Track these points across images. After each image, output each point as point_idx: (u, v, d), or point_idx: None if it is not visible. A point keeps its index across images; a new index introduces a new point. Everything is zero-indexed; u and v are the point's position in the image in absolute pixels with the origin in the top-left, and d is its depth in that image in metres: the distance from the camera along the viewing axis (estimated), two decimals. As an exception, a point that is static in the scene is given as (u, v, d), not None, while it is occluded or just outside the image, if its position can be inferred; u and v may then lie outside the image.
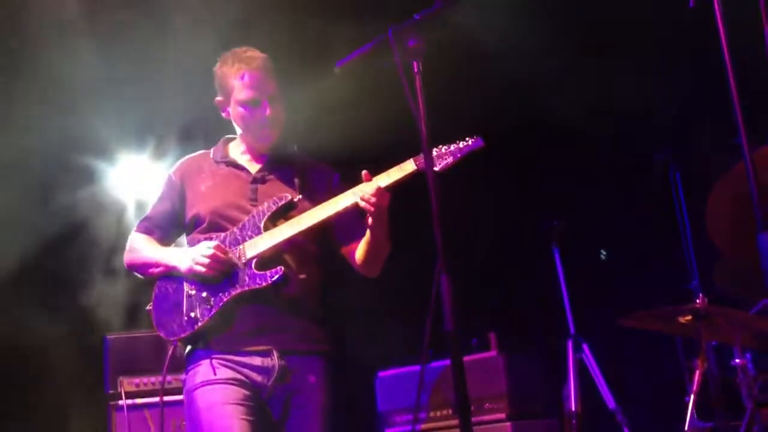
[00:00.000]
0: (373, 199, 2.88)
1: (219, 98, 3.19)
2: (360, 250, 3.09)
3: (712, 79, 2.32)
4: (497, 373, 4.70)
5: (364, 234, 3.05)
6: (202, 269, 2.97)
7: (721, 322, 3.19)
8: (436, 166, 2.86)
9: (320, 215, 2.97)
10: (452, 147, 2.91)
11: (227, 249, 3.01)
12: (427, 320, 2.36)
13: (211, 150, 3.27)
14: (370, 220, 2.92)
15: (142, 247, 3.18)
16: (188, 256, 3.02)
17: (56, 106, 4.95)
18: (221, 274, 2.98)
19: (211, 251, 2.97)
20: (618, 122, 5.12)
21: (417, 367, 4.75)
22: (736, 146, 2.14)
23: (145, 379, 4.58)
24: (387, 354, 5.14)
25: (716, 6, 2.14)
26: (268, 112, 3.10)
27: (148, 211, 3.30)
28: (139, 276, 3.24)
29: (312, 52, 4.80)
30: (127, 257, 3.23)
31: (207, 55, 3.28)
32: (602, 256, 4.93)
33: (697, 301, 3.17)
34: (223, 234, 3.05)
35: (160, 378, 4.35)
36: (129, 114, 5.39)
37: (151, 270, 3.16)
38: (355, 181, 2.97)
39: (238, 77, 3.09)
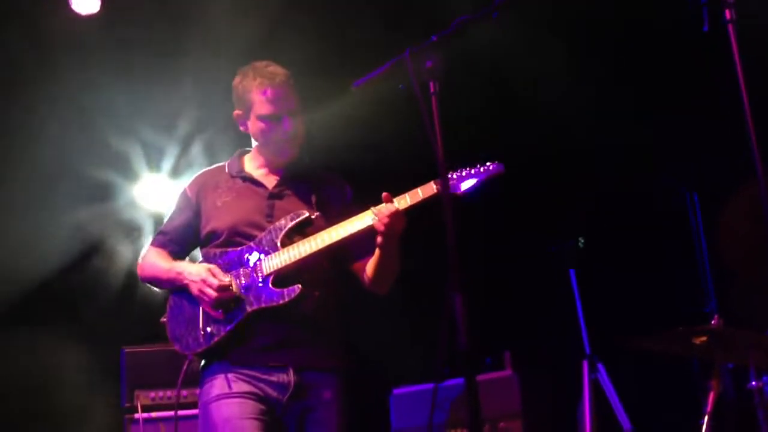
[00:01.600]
0: (387, 220, 2.89)
1: (238, 111, 3.19)
2: (369, 268, 3.10)
3: (728, 102, 2.34)
4: (512, 392, 4.70)
5: (371, 252, 3.05)
6: (207, 299, 2.99)
7: (736, 343, 3.18)
8: (458, 188, 2.88)
9: (338, 235, 2.98)
10: (472, 170, 2.91)
11: (228, 284, 3.00)
12: (440, 339, 2.36)
13: (226, 164, 3.27)
14: (380, 239, 2.93)
15: (154, 261, 3.20)
16: (195, 287, 3.03)
17: (74, 121, 5.01)
18: (225, 304, 3.00)
19: (214, 294, 2.97)
20: (637, 144, 5.12)
21: (432, 386, 4.75)
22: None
23: (161, 393, 4.60)
24: (403, 371, 5.15)
25: (730, 30, 2.16)
26: (289, 127, 3.11)
27: (163, 225, 3.31)
28: (155, 288, 3.26)
29: (331, 67, 4.83)
30: (141, 271, 3.25)
31: (224, 71, 3.31)
32: (580, 244, 4.90)
33: (712, 321, 3.16)
34: (239, 249, 3.07)
35: (175, 392, 4.37)
36: (147, 130, 5.46)
37: (163, 285, 3.20)
38: (376, 195, 2.97)
39: (260, 92, 3.09)
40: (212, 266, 3.05)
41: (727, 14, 2.18)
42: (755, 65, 2.19)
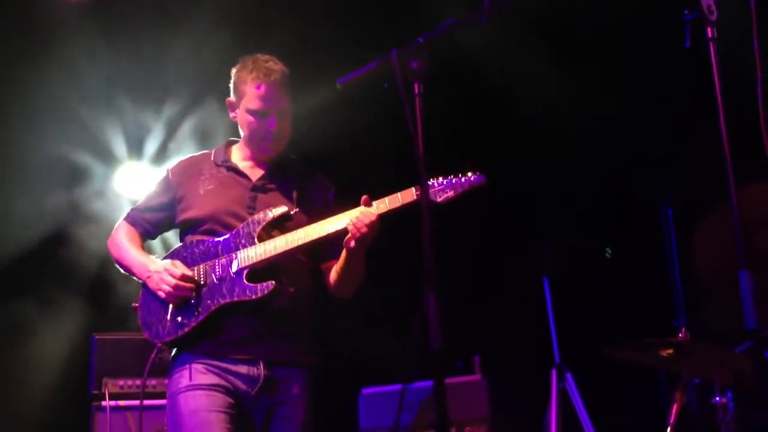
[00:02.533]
0: (365, 229, 2.91)
1: (231, 99, 3.20)
2: (334, 271, 3.12)
3: (706, 117, 2.37)
4: (480, 397, 4.72)
5: (337, 255, 3.07)
6: (163, 295, 3.01)
7: (702, 358, 3.22)
8: (437, 198, 2.90)
9: (316, 233, 2.99)
10: (453, 180, 2.93)
11: (192, 275, 3.02)
12: (413, 339, 2.38)
13: (213, 151, 3.27)
14: (351, 242, 2.95)
15: (122, 243, 3.19)
16: (155, 276, 3.03)
17: (54, 105, 4.98)
18: (184, 299, 3.01)
19: (173, 281, 2.99)
20: (613, 155, 5.17)
21: (400, 386, 4.76)
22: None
23: (129, 381, 4.58)
24: (373, 371, 5.16)
25: (711, 47, 2.19)
26: (274, 126, 3.12)
27: (140, 201, 3.31)
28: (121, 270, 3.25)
29: (318, 60, 4.85)
30: (110, 246, 3.25)
31: (210, 63, 3.32)
32: (607, 254, 4.94)
33: (680, 335, 3.20)
34: (216, 239, 3.07)
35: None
36: (130, 118, 5.43)
37: (126, 271, 3.19)
38: (355, 195, 2.99)
39: (254, 85, 3.10)
40: (175, 261, 3.06)
41: (709, 32, 2.22)
42: (734, 80, 2.22)
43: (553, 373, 4.91)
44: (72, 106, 5.10)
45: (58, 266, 5.23)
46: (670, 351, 3.20)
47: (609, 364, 3.82)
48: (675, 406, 3.20)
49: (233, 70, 3.19)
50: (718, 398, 3.31)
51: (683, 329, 3.21)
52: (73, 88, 5.05)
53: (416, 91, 2.36)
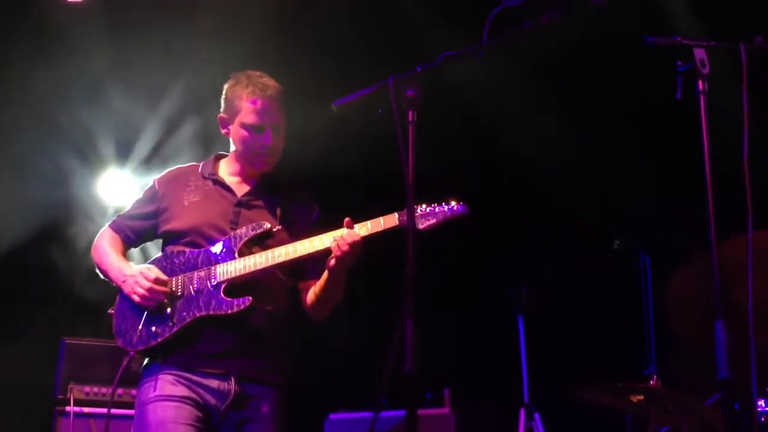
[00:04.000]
0: (347, 248, 2.91)
1: (223, 115, 3.21)
2: (312, 293, 3.12)
3: (690, 166, 2.42)
4: (447, 430, 4.71)
5: (318, 275, 3.08)
6: (137, 299, 3.01)
7: (673, 406, 3.24)
8: (419, 224, 2.89)
9: (297, 251, 2.99)
10: (436, 208, 2.93)
11: (167, 280, 3.02)
12: (388, 363, 2.38)
13: (201, 164, 3.28)
14: (333, 262, 2.95)
15: (105, 249, 3.19)
16: (130, 280, 3.03)
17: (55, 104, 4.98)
18: (158, 304, 3.00)
19: (148, 284, 2.99)
20: (596, 199, 5.23)
21: (369, 414, 4.74)
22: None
23: (95, 389, 4.53)
24: (340, 396, 5.14)
25: (702, 100, 2.23)
26: (269, 141, 3.13)
27: (126, 209, 3.31)
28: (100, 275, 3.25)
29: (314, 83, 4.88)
30: (93, 251, 3.25)
31: (206, 73, 3.32)
32: (616, 245, 4.91)
33: (651, 382, 3.22)
34: (197, 251, 3.07)
35: (111, 389, 4.32)
36: (119, 126, 5.43)
37: (104, 276, 3.19)
38: (337, 215, 3.00)
39: (249, 101, 3.11)
40: (150, 266, 3.06)
41: (700, 85, 2.26)
42: (720, 131, 2.26)
43: (522, 412, 4.91)
44: (60, 105, 5.09)
45: (36, 267, 5.19)
46: (641, 397, 3.22)
47: (577, 407, 3.84)
48: (641, 453, 3.21)
49: (225, 86, 3.21)
50: (684, 450, 3.31)
51: (654, 377, 3.23)
52: (64, 86, 5.05)
53: (410, 119, 2.39)
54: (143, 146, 5.49)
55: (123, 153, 5.56)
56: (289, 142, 3.21)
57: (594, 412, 4.14)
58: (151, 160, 5.43)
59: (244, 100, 3.13)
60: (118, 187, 5.55)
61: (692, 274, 3.32)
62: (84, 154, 5.46)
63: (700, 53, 2.25)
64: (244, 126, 3.14)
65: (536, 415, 4.90)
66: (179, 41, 4.98)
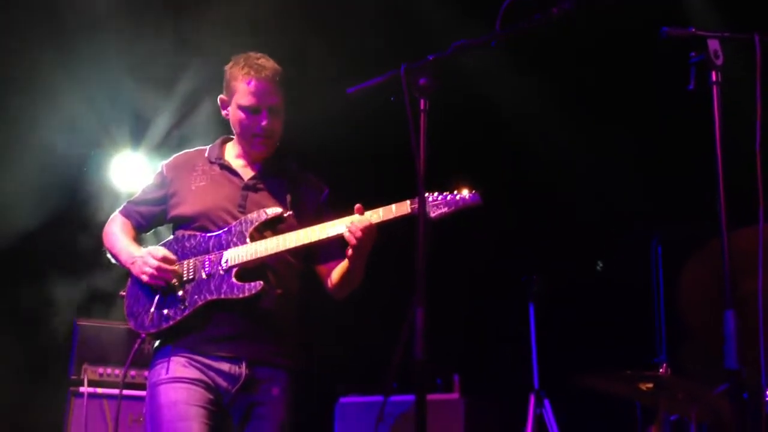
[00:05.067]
0: (360, 234, 2.91)
1: (223, 96, 3.21)
2: (335, 274, 3.13)
3: (703, 157, 2.41)
4: (456, 416, 4.73)
5: (340, 256, 3.09)
6: (146, 278, 3.03)
7: (681, 395, 3.24)
8: (431, 213, 2.87)
9: (309, 237, 2.99)
10: (448, 197, 2.91)
11: (175, 260, 3.04)
12: (398, 349, 2.39)
13: (207, 148, 3.28)
14: (350, 251, 2.96)
15: (116, 234, 3.22)
16: (139, 260, 3.06)
17: (67, 93, 5.00)
18: (169, 287, 3.03)
19: (155, 263, 3.01)
20: (610, 188, 5.22)
21: (379, 398, 4.78)
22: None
23: (109, 370, 4.58)
24: (351, 380, 5.17)
25: (714, 91, 2.23)
26: (264, 122, 3.11)
27: (135, 195, 3.33)
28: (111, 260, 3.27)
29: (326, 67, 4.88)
30: (104, 237, 3.28)
31: (217, 59, 3.32)
32: (598, 267, 4.96)
33: (661, 370, 3.22)
34: (207, 235, 3.08)
35: (124, 370, 4.37)
36: (130, 110, 5.45)
37: (115, 260, 3.22)
38: (347, 201, 3.00)
39: (245, 82, 3.10)
40: (159, 247, 3.09)
41: (713, 76, 2.25)
42: (733, 121, 2.26)
43: (531, 398, 4.93)
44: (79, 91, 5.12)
45: (51, 251, 5.23)
46: (650, 385, 3.23)
47: (587, 393, 3.85)
48: (650, 440, 3.22)
49: (225, 68, 3.20)
50: (692, 438, 3.32)
51: (664, 365, 3.23)
52: (78, 72, 5.07)
53: (422, 107, 2.39)
54: (157, 130, 5.51)
55: (137, 137, 5.58)
56: (302, 125, 3.20)
57: (603, 400, 4.16)
58: (164, 144, 5.44)
59: (239, 81, 3.12)
60: (131, 172, 5.57)
61: (704, 265, 3.31)
62: (98, 138, 5.48)
63: (713, 44, 2.24)
64: (240, 107, 3.13)
65: (546, 402, 4.91)
66: (194, 25, 4.99)
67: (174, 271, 3.03)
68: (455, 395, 4.81)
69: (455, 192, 2.92)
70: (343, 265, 3.07)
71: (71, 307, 5.03)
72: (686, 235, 4.37)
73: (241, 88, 3.11)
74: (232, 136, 3.28)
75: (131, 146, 5.59)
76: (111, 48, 5.00)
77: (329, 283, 3.17)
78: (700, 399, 3.24)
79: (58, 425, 4.55)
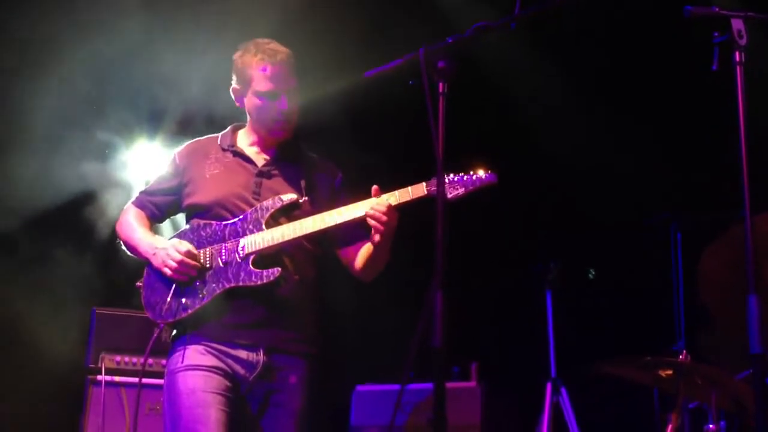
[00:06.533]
0: (384, 218, 2.90)
1: (236, 86, 3.18)
2: (361, 258, 3.12)
3: (723, 144, 2.38)
4: (474, 403, 4.72)
5: (362, 239, 3.07)
6: (169, 272, 3.02)
7: (701, 381, 3.22)
8: (447, 194, 2.86)
9: (326, 222, 2.99)
10: (465, 177, 2.90)
11: (197, 254, 3.03)
12: (416, 336, 2.38)
13: (219, 135, 3.26)
14: (377, 237, 2.94)
15: (131, 224, 3.21)
16: (161, 253, 3.05)
17: (83, 77, 4.99)
18: (188, 279, 3.02)
19: (179, 257, 3.00)
20: (628, 175, 5.19)
21: (396, 386, 4.77)
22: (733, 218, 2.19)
23: (126, 358, 4.58)
24: (370, 368, 5.17)
25: (738, 71, 2.20)
26: (284, 107, 3.10)
27: (148, 185, 3.33)
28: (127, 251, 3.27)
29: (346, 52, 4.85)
30: (118, 228, 3.28)
31: (230, 47, 3.30)
32: (590, 276, 4.96)
33: (680, 356, 3.20)
34: (223, 223, 3.07)
35: (142, 359, 4.37)
36: (149, 98, 5.44)
37: (132, 252, 3.21)
38: (362, 185, 2.99)
39: (260, 68, 3.08)
40: (182, 240, 3.07)
41: (737, 56, 2.22)
42: (755, 108, 2.23)
43: (548, 386, 4.92)
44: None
45: (68, 237, 5.24)
46: (670, 372, 3.20)
47: (604, 381, 3.83)
48: (670, 427, 3.20)
49: (234, 57, 3.17)
50: (711, 426, 3.29)
51: (684, 351, 3.21)
52: (95, 59, 5.06)
53: (440, 91, 2.37)
54: (173, 119, 5.50)
55: (153, 125, 5.58)
56: (316, 108, 3.18)
57: (621, 387, 4.14)
58: (181, 133, 5.44)
59: (254, 68, 3.10)
60: (148, 160, 5.57)
61: (726, 249, 3.28)
62: (115, 126, 5.48)
63: (737, 24, 2.21)
64: (257, 94, 3.11)
65: (563, 390, 4.90)
66: (209, 15, 4.97)
67: (196, 266, 3.02)
68: (473, 383, 4.80)
69: (471, 172, 2.91)
70: (368, 248, 3.06)
71: (90, 296, 5.04)
72: (706, 222, 4.34)
73: (257, 75, 3.09)
74: (242, 124, 3.27)
75: (148, 135, 5.59)
76: (127, 34, 5.00)
77: (355, 267, 3.15)
78: (720, 385, 3.22)
79: (76, 414, 4.57)
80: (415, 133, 3.01)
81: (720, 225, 3.43)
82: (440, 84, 2.37)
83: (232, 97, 3.22)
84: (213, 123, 4.20)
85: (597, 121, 5.18)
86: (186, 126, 5.24)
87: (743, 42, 2.19)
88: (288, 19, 4.56)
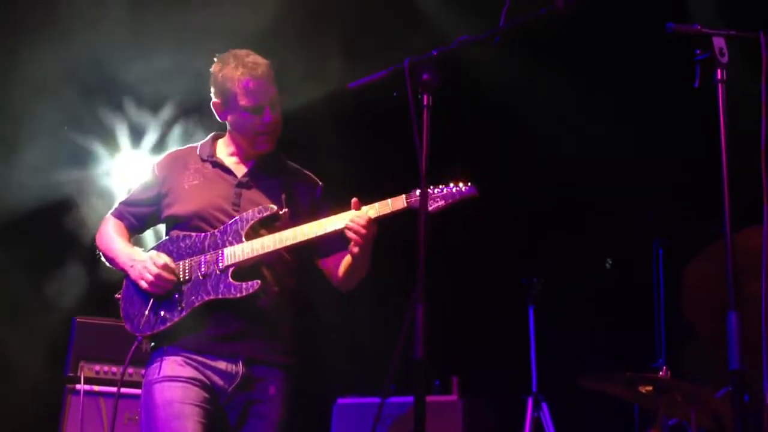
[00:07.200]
0: (363, 231, 2.90)
1: (216, 101, 3.15)
2: (341, 269, 3.11)
3: (707, 157, 2.40)
4: (454, 417, 4.71)
5: (342, 249, 3.06)
6: (145, 285, 3.00)
7: (681, 398, 3.23)
8: (428, 207, 2.84)
9: (306, 234, 2.97)
10: (444, 190, 2.90)
11: (175, 267, 3.02)
12: (397, 349, 2.37)
13: (198, 145, 3.24)
14: (356, 249, 2.94)
15: (111, 236, 3.19)
16: (138, 265, 3.03)
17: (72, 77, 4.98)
18: (165, 292, 3.00)
19: (156, 270, 2.98)
20: (610, 189, 5.20)
21: (376, 399, 4.75)
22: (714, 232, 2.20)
23: (105, 368, 4.56)
24: (349, 381, 5.15)
25: (720, 89, 2.21)
26: (269, 118, 3.09)
27: (127, 196, 3.30)
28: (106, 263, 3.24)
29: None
30: (97, 239, 3.25)
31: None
32: (608, 265, 4.93)
33: (660, 372, 3.21)
34: (203, 234, 3.05)
35: (121, 368, 4.34)
36: (135, 107, 5.43)
37: (111, 263, 3.19)
38: (342, 197, 2.98)
39: (242, 83, 3.06)
40: (160, 252, 3.05)
41: (719, 74, 2.23)
42: (738, 123, 2.24)
43: (529, 401, 4.91)
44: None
45: (51, 243, 5.21)
46: (650, 388, 3.21)
47: (585, 397, 3.84)
48: (649, 443, 3.21)
49: (213, 70, 3.14)
50: (691, 442, 3.30)
51: (664, 368, 3.22)
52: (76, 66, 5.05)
53: (425, 103, 2.37)
54: (157, 128, 5.49)
55: (137, 135, 5.56)
56: (297, 119, 3.18)
57: (602, 403, 4.14)
58: (164, 143, 5.43)
59: (236, 83, 3.07)
60: (131, 170, 5.55)
61: (708, 265, 3.30)
62: (98, 135, 5.46)
63: (719, 42, 2.23)
64: (242, 108, 3.09)
65: (544, 405, 4.89)
66: (196, 21, 4.96)
67: (173, 280, 3.00)
68: (454, 397, 4.79)
69: (451, 185, 2.90)
70: (348, 259, 3.05)
71: (69, 304, 5.01)
72: (687, 238, 4.35)
73: (240, 90, 3.06)
74: (222, 133, 3.25)
75: (132, 145, 5.57)
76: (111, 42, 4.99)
77: (336, 277, 3.14)
78: (699, 402, 3.23)
79: (53, 422, 4.53)
80: (398, 143, 3.00)
81: (702, 241, 3.44)
82: (425, 96, 2.37)
83: (213, 111, 3.19)
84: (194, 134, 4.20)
85: (586, 135, 5.20)
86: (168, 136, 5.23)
87: (725, 60, 2.21)
88: (273, 27, 4.57)
